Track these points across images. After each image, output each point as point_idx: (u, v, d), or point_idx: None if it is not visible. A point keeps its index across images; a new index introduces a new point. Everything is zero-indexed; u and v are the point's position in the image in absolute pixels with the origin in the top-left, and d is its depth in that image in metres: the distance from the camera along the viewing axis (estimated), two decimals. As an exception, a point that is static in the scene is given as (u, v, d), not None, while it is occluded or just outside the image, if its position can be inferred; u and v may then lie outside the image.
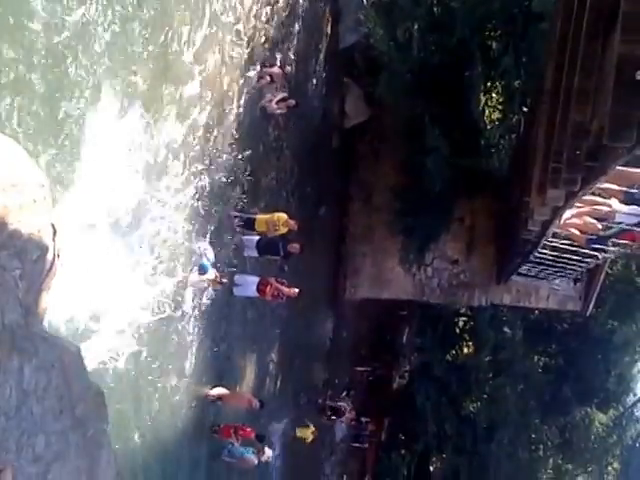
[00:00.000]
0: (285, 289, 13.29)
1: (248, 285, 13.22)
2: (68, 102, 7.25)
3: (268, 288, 13.15)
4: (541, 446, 27.53)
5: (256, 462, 12.89)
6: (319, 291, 20.24)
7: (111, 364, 8.79)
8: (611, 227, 9.69)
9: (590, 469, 27.88)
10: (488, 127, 21.39)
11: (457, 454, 24.40)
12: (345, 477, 25.51)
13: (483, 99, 20.87)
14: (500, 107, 21.92)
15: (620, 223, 9.30)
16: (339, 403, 22.10)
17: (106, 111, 8.17)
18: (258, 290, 13.21)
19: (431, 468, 26.18)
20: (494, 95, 21.77)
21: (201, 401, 12.01)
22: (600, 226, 9.86)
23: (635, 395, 28.05)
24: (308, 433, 18.16)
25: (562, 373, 25.17)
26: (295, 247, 13.00)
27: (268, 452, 13.01)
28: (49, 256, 4.34)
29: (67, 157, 7.30)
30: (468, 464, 24.06)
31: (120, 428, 8.86)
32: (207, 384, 12.26)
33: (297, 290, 13.49)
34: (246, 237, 13.24)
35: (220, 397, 12.47)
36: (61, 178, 7.03)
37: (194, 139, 10.90)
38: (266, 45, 13.88)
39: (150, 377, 10.07)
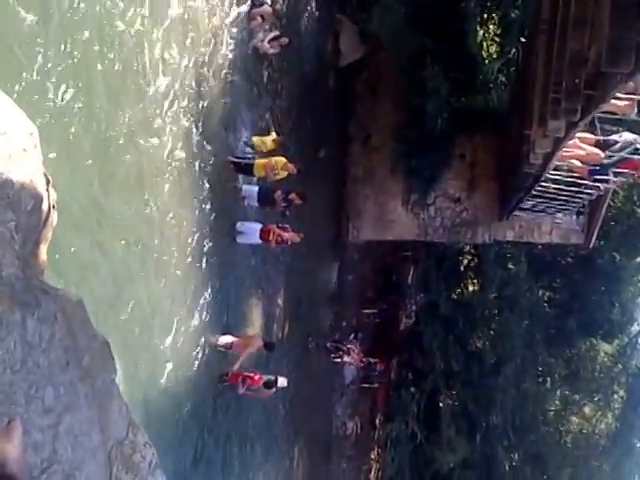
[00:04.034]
0: (287, 235, 13.25)
1: (251, 232, 13.18)
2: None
3: (271, 235, 13.12)
4: (548, 378, 27.91)
5: (272, 392, 13.04)
6: (322, 235, 20.19)
7: (116, 314, 8.79)
8: (613, 155, 9.60)
9: (596, 398, 28.30)
10: (486, 62, 20.99)
11: (465, 389, 24.77)
12: (357, 417, 25.95)
13: (480, 32, 20.45)
14: (498, 39, 21.47)
15: (626, 147, 9.22)
16: (348, 345, 22.32)
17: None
18: (261, 237, 13.18)
19: (440, 404, 26.59)
20: (491, 27, 21.31)
21: (210, 349, 12.07)
22: (603, 155, 9.77)
23: (639, 325, 28.27)
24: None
25: (567, 306, 25.33)
26: (294, 197, 12.93)
27: (282, 380, 13.09)
28: (44, 206, 4.23)
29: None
30: (476, 399, 24.44)
31: (130, 378, 8.92)
32: (215, 333, 12.31)
33: (300, 235, 13.46)
34: (246, 187, 13.13)
35: (230, 345, 12.53)
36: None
37: (185, 87, 10.67)
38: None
39: (159, 328, 10.10)
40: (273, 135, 13.36)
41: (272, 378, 12.90)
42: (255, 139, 12.99)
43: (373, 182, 20.64)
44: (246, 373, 12.78)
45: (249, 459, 14.53)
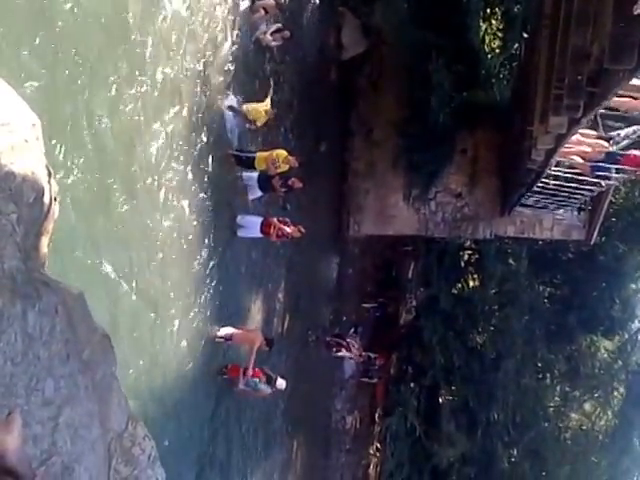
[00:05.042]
0: (288, 228, 13.23)
1: (252, 226, 13.16)
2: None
3: (272, 229, 13.10)
4: (548, 374, 27.92)
5: (269, 392, 13.04)
6: (323, 229, 20.18)
7: (117, 308, 8.79)
8: (618, 142, 9.63)
9: (596, 395, 28.30)
10: (489, 56, 20.98)
11: (465, 385, 24.77)
12: (356, 412, 25.96)
13: (483, 27, 20.43)
14: (500, 34, 21.47)
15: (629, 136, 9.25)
16: (347, 340, 22.30)
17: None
18: (262, 231, 13.16)
19: (440, 399, 26.60)
20: (494, 22, 21.31)
21: (210, 341, 12.07)
22: (607, 144, 9.80)
23: (640, 321, 28.24)
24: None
25: (567, 302, 25.31)
26: (294, 181, 12.90)
27: (281, 382, 13.11)
28: (46, 199, 4.21)
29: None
30: (476, 394, 24.45)
31: (129, 371, 8.93)
32: (214, 325, 12.31)
33: (301, 228, 13.44)
34: (245, 174, 13.09)
35: (229, 337, 12.52)
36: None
37: (185, 79, 10.64)
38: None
39: (158, 320, 10.10)
40: (267, 103, 13.00)
41: (272, 375, 12.90)
42: (247, 106, 12.80)
43: (374, 176, 20.62)
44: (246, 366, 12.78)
45: (248, 452, 14.55)
